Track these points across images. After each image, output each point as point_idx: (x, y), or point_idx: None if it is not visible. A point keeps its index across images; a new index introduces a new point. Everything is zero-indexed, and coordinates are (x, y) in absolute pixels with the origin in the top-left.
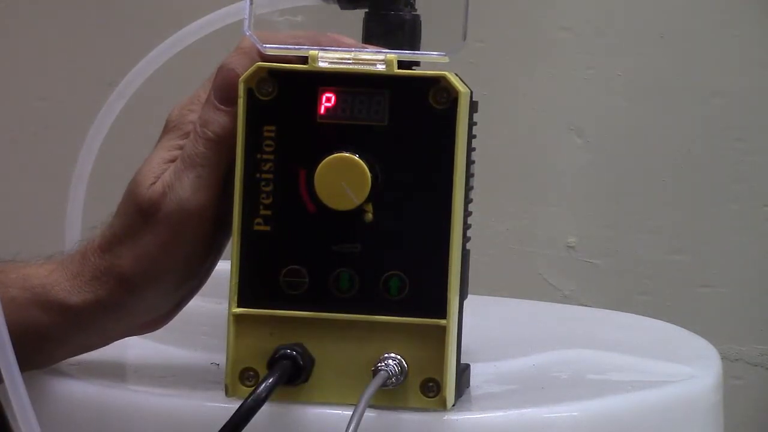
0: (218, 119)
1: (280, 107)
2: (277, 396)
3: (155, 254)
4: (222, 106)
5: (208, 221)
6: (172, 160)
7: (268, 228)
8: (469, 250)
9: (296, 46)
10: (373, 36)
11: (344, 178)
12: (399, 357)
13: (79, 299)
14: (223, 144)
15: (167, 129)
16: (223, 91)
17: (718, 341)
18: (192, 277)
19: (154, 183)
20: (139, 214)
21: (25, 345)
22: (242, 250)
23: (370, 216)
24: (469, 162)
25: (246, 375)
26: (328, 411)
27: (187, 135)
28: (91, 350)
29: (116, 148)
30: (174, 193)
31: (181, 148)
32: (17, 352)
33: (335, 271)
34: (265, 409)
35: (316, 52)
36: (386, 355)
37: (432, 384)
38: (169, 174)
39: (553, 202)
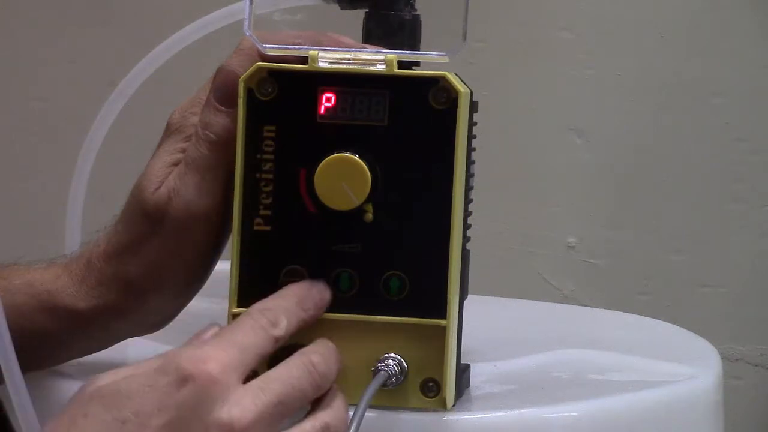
0: (219, 121)
1: (280, 107)
2: None
3: (162, 259)
4: (222, 108)
5: (214, 224)
6: (176, 164)
7: (268, 228)
8: (469, 250)
9: (296, 46)
10: (373, 36)
11: (344, 178)
12: (399, 357)
13: (87, 305)
14: (225, 146)
15: (169, 132)
16: (223, 93)
17: (718, 341)
18: (198, 278)
19: (159, 188)
20: (145, 219)
21: (31, 349)
22: (242, 250)
23: (370, 216)
24: (470, 162)
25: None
26: None
27: (189, 138)
28: (95, 352)
29: (116, 148)
30: (179, 198)
31: (183, 151)
32: (22, 356)
33: (335, 271)
34: None
35: (316, 52)
36: (386, 355)
37: (432, 384)
38: (173, 178)
39: (553, 202)
